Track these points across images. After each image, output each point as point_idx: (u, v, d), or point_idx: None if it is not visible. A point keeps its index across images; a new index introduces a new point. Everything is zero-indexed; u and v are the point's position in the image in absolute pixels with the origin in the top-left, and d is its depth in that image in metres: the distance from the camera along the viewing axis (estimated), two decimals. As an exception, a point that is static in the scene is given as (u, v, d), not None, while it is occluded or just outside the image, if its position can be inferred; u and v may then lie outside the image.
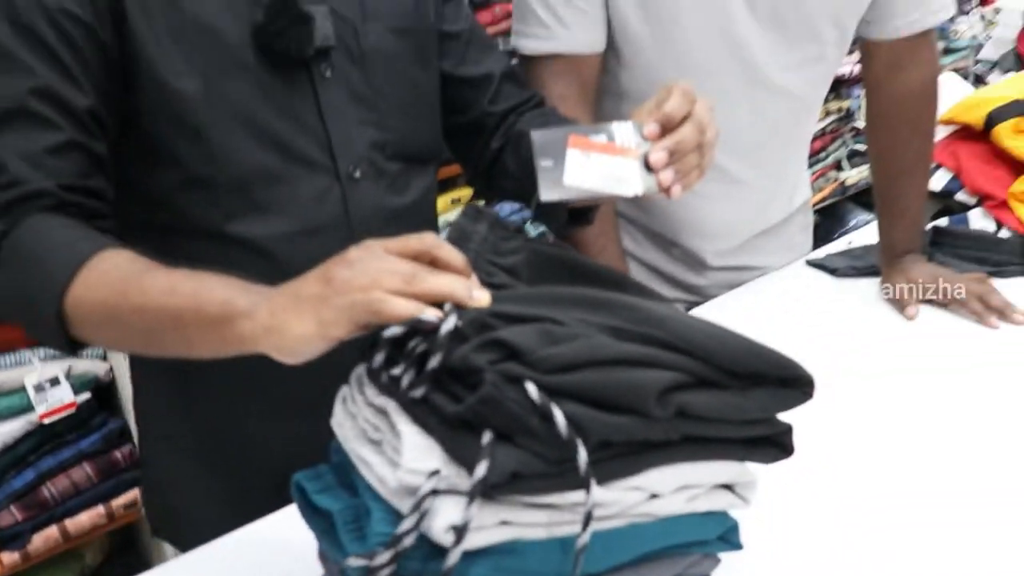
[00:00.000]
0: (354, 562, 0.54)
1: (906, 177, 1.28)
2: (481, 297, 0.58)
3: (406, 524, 0.53)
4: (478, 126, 1.00)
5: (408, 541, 0.53)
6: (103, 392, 1.31)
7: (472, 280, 0.60)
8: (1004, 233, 1.35)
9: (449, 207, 1.79)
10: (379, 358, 0.58)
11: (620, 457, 0.57)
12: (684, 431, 0.59)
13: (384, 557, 0.53)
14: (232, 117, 0.80)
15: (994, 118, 1.41)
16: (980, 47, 2.56)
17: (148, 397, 0.95)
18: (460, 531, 0.52)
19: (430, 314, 0.56)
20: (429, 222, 0.98)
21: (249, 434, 0.90)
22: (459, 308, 0.56)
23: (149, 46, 0.77)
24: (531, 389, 0.53)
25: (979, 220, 1.40)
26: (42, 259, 0.70)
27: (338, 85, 0.85)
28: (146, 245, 0.71)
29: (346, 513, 0.59)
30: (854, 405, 0.97)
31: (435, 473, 0.54)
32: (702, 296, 1.32)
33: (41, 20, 0.74)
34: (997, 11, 2.40)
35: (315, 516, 0.63)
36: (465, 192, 1.85)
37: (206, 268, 0.66)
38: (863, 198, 2.70)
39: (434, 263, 0.59)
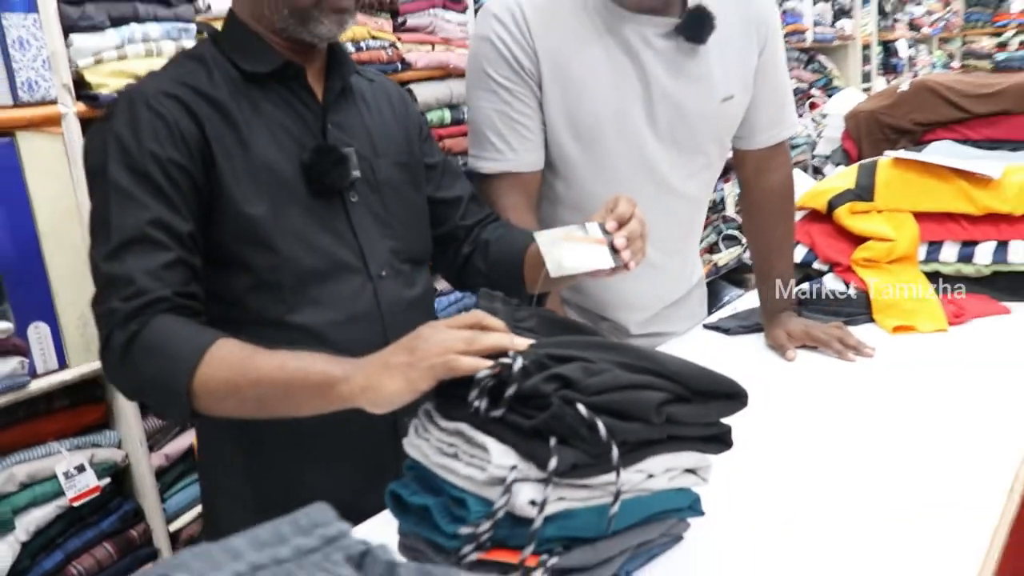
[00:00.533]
0: (464, 531, 0.77)
1: (776, 253, 1.64)
2: (522, 344, 0.84)
3: (500, 502, 0.77)
4: (452, 237, 1.27)
5: (500, 514, 0.77)
6: (120, 476, 1.45)
7: (511, 335, 0.86)
8: (852, 291, 1.72)
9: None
10: (472, 394, 0.82)
11: (632, 451, 0.84)
12: (669, 432, 0.87)
13: (486, 525, 0.77)
14: (290, 233, 1.04)
15: (833, 203, 1.81)
16: (815, 144, 3.09)
17: (214, 459, 1.14)
18: (541, 505, 0.77)
19: (487, 364, 0.81)
20: (432, 307, 1.23)
21: (300, 483, 1.10)
22: (520, 354, 0.82)
23: (229, 181, 1.01)
24: (582, 409, 0.78)
25: (832, 283, 1.77)
26: (171, 350, 0.91)
27: (362, 207, 1.11)
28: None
29: (439, 505, 0.83)
30: (760, 420, 1.27)
31: (515, 467, 0.79)
32: None
33: (153, 166, 0.96)
34: (824, 115, 2.93)
35: (406, 514, 0.86)
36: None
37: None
38: (733, 276, 3.13)
39: (483, 329, 0.86)
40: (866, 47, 4.47)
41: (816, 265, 1.82)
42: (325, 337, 1.06)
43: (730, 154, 1.64)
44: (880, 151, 2.48)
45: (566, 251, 0.98)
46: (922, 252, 1.77)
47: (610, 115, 1.41)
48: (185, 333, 0.93)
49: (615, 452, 0.79)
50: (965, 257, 1.74)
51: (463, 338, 0.83)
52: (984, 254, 1.72)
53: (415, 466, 0.88)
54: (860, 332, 1.58)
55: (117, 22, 1.35)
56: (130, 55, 1.35)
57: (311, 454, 1.09)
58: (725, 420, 0.92)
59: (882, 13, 4.62)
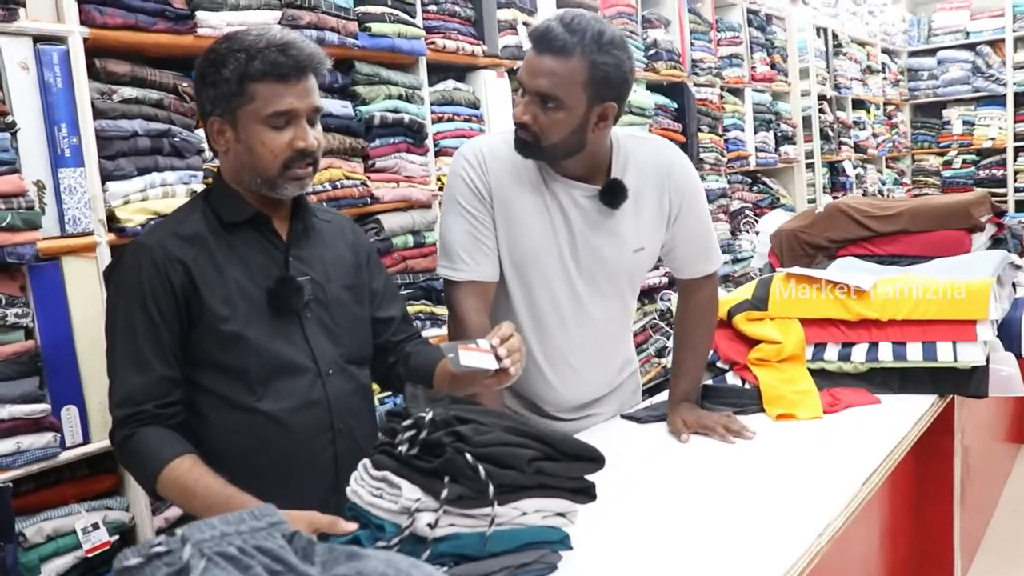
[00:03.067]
0: (380, 544, 1.08)
1: (690, 352, 1.97)
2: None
3: (406, 523, 1.08)
4: (382, 349, 1.60)
5: (406, 532, 1.08)
6: (127, 534, 1.74)
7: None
8: (747, 386, 2.05)
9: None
10: (398, 438, 1.14)
11: (508, 492, 1.15)
12: (540, 481, 1.18)
13: (395, 540, 1.08)
14: (256, 341, 1.38)
15: (732, 312, 2.16)
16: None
17: None
18: (432, 526, 1.08)
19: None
20: (370, 399, 1.56)
21: None
22: (433, 412, 1.14)
23: (208, 302, 1.36)
24: (468, 457, 1.10)
25: (731, 379, 2.10)
26: (142, 462, 1.31)
27: (315, 322, 1.46)
28: (200, 416, 1.31)
29: (367, 533, 1.13)
30: (647, 483, 1.56)
31: (419, 499, 1.10)
32: None
33: (150, 304, 1.34)
34: (757, 233, 3.35)
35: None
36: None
37: (242, 432, 1.33)
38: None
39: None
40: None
41: (719, 364, 2.15)
42: (283, 421, 1.40)
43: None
44: (799, 265, 2.85)
45: (462, 355, 1.32)
46: (809, 352, 2.09)
47: (542, 251, 1.78)
48: (153, 451, 1.31)
49: (492, 490, 1.10)
50: (844, 356, 2.06)
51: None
52: (859, 354, 2.05)
53: (353, 507, 1.19)
54: (752, 420, 1.89)
55: (142, 172, 1.74)
56: (151, 197, 1.73)
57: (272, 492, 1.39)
58: (592, 478, 1.23)
59: (825, 138, 5.09)
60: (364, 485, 1.18)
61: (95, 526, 1.64)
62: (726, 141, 4.03)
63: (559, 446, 1.19)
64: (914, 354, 2.01)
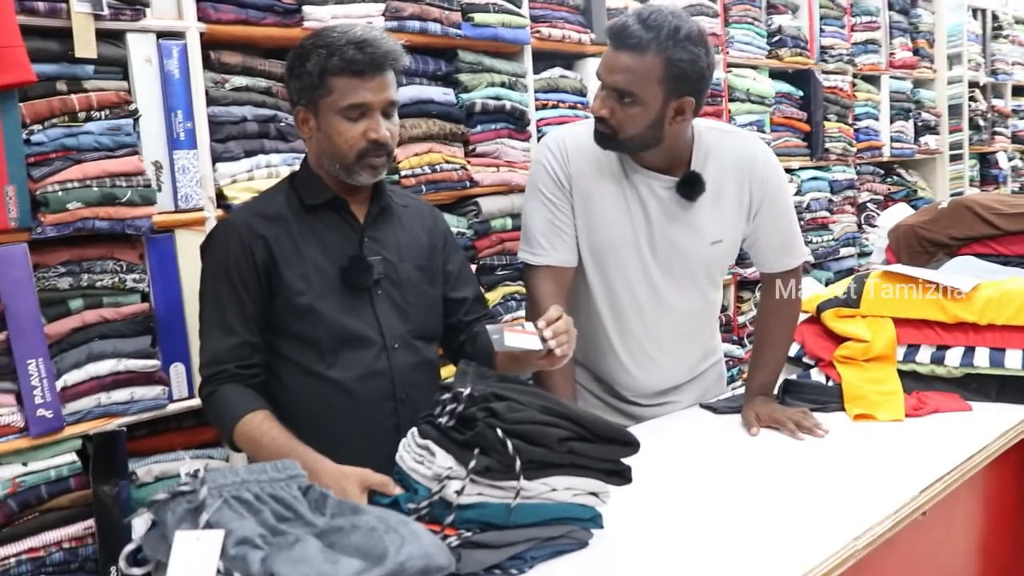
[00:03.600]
0: (411, 506, 1.17)
1: (768, 345, 1.96)
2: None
3: (435, 488, 1.17)
4: (455, 327, 1.69)
5: (436, 497, 1.16)
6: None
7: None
8: (831, 383, 2.00)
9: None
10: (438, 411, 1.23)
11: (538, 468, 1.21)
12: (572, 460, 1.23)
13: (425, 503, 1.17)
14: (327, 315, 1.50)
15: (821, 307, 2.11)
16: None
17: None
18: (459, 493, 1.16)
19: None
20: (436, 369, 1.65)
21: None
22: (468, 390, 1.22)
23: (286, 277, 1.49)
24: (499, 432, 1.17)
25: (816, 375, 2.06)
26: (221, 414, 1.45)
27: (385, 298, 1.56)
28: (279, 381, 1.45)
29: (404, 495, 1.23)
30: (702, 473, 1.57)
31: (450, 468, 1.18)
32: (634, 419, 1.96)
33: (235, 276, 1.47)
34: (876, 227, 3.21)
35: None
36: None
37: (313, 397, 1.46)
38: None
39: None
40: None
41: (804, 359, 2.12)
42: (350, 388, 1.51)
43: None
44: (917, 262, 2.73)
45: (507, 336, 1.38)
46: (901, 353, 2.02)
47: (619, 242, 1.83)
48: (235, 402, 1.45)
49: (518, 464, 1.17)
50: (937, 360, 1.98)
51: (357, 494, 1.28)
52: (954, 358, 1.97)
53: (399, 471, 1.29)
54: (831, 418, 1.86)
55: (249, 153, 1.90)
56: (256, 177, 1.89)
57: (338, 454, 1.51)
58: (647, 463, 1.27)
59: (976, 128, 4.77)
60: (410, 451, 1.28)
61: (197, 471, 1.83)
62: (857, 130, 3.86)
63: (592, 427, 1.24)
64: (1013, 361, 1.91)
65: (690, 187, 1.79)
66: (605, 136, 1.73)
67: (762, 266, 1.96)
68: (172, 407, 1.80)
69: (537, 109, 2.53)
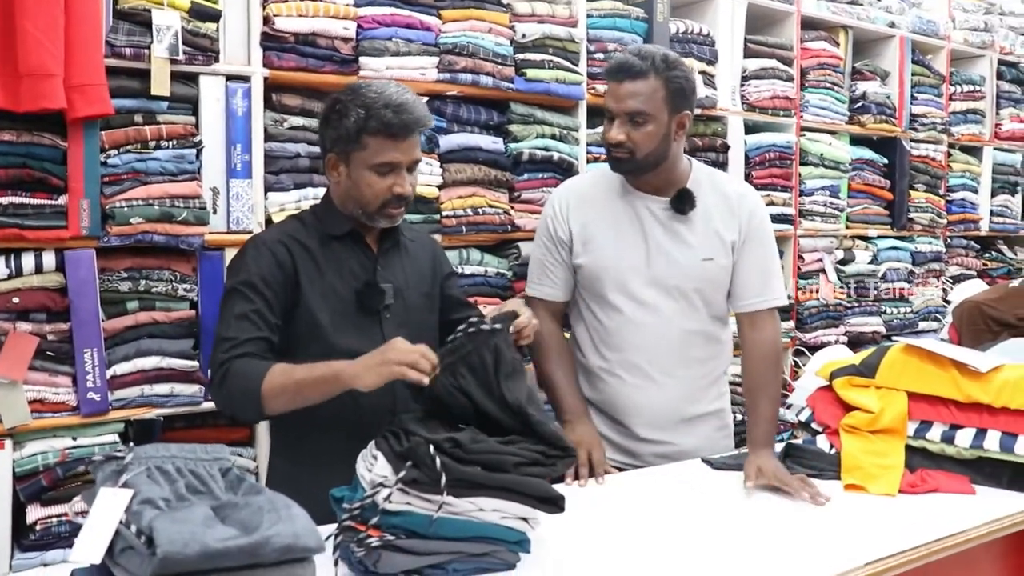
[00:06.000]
0: (345, 506, 1.31)
1: (762, 391, 2.00)
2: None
3: (369, 492, 1.30)
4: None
5: (367, 500, 1.30)
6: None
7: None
8: (833, 451, 2.00)
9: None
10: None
11: (467, 487, 1.32)
12: (504, 484, 1.34)
13: (356, 504, 1.30)
14: (341, 334, 1.66)
15: (834, 374, 2.10)
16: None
17: (276, 462, 1.78)
18: (387, 499, 1.29)
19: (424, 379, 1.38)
20: None
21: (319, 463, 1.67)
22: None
23: (307, 296, 1.66)
24: (430, 448, 1.30)
25: (821, 442, 2.05)
26: (249, 373, 1.55)
27: (392, 321, 1.71)
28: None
29: (348, 495, 1.37)
30: (651, 518, 1.62)
31: (385, 476, 1.32)
32: (640, 462, 2.04)
33: (259, 282, 1.63)
34: (947, 303, 3.11)
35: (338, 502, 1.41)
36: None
37: (315, 408, 1.55)
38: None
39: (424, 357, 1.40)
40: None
41: (813, 425, 2.11)
42: (353, 402, 1.62)
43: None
44: (979, 341, 2.65)
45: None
46: (912, 428, 1.99)
47: (620, 258, 2.00)
48: (257, 365, 1.57)
49: (443, 480, 1.29)
50: (948, 439, 1.94)
51: (413, 359, 1.40)
52: (964, 438, 1.92)
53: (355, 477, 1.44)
54: (825, 486, 1.86)
55: (299, 186, 2.13)
56: (303, 206, 2.11)
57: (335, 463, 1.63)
58: (610, 502, 1.37)
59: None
60: (365, 458, 1.43)
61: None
62: (949, 202, 3.74)
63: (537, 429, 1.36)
64: (1022, 448, 1.84)
65: (682, 201, 1.96)
66: (622, 160, 1.95)
67: (741, 300, 2.03)
68: (206, 405, 2.02)
69: (589, 162, 2.66)
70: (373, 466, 1.36)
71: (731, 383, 2.25)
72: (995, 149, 3.95)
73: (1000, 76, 3.96)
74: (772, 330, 2.03)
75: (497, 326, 1.45)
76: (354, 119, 1.62)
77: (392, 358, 1.42)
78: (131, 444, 1.05)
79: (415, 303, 1.76)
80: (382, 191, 1.64)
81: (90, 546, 0.94)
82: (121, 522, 0.97)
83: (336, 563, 1.30)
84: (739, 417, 2.76)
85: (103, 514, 0.97)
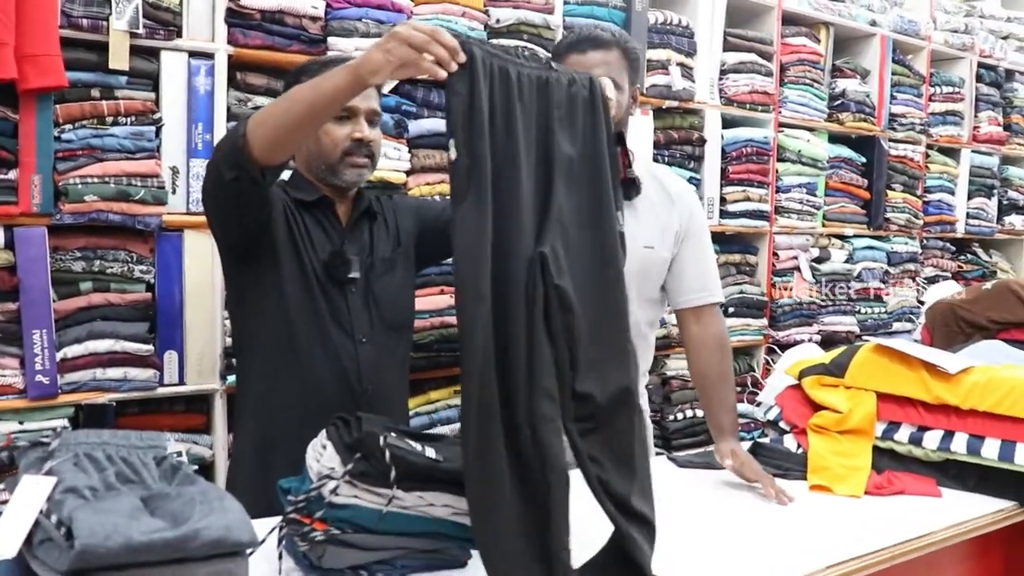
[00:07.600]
0: (291, 498, 1.27)
1: (719, 381, 1.95)
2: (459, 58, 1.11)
3: (316, 485, 1.26)
4: None
5: (313, 493, 1.25)
6: (206, 468, 2.08)
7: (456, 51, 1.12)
8: (800, 451, 1.97)
9: (452, 395, 2.52)
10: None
11: (419, 482, 1.28)
12: (457, 479, 1.30)
13: (302, 496, 1.26)
14: (304, 305, 1.62)
15: (804, 373, 2.08)
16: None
17: (239, 450, 1.73)
18: (334, 492, 1.24)
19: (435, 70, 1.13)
20: (404, 362, 1.76)
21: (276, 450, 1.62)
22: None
23: (279, 247, 1.60)
24: (380, 440, 1.26)
25: (788, 442, 2.03)
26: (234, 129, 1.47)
27: (358, 295, 1.67)
28: (244, 361, 1.58)
29: (295, 487, 1.32)
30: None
31: (332, 468, 1.27)
32: None
33: None
34: (921, 303, 3.10)
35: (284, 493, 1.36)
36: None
37: (274, 378, 1.58)
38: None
39: (436, 40, 1.13)
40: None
41: (781, 424, 2.09)
42: (312, 374, 1.62)
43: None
44: (952, 343, 2.64)
45: None
46: (880, 429, 1.97)
47: None
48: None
49: (393, 473, 1.25)
50: (916, 440, 1.92)
51: (422, 40, 1.15)
52: (932, 440, 1.90)
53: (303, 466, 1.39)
54: (790, 486, 1.83)
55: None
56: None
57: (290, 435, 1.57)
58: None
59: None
60: (314, 447, 1.38)
61: (179, 454, 1.97)
62: (926, 203, 3.73)
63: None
64: (989, 451, 1.83)
65: (628, 186, 1.89)
66: None
67: (681, 295, 1.98)
68: (162, 391, 1.97)
69: (564, 151, 2.61)
70: (321, 456, 1.31)
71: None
72: (973, 152, 3.95)
73: (979, 79, 3.95)
74: (718, 325, 1.98)
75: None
76: (309, 75, 1.58)
77: (402, 43, 1.17)
78: (60, 429, 0.99)
79: (382, 274, 1.72)
80: (341, 138, 1.63)
81: (5, 538, 0.89)
82: (42, 512, 0.91)
83: (280, 556, 1.25)
84: (699, 414, 2.75)
85: (23, 503, 0.92)
